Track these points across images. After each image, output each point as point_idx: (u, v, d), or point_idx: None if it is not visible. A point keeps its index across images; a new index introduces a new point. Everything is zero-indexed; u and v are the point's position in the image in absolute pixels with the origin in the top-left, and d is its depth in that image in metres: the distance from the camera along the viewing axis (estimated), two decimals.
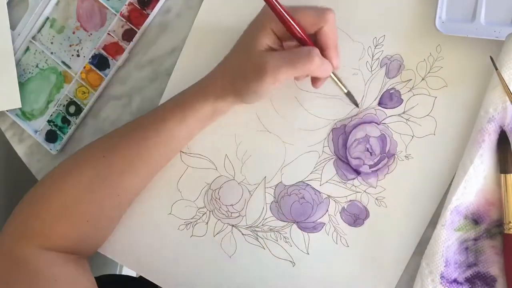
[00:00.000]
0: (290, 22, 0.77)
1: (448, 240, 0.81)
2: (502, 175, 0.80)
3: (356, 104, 0.88)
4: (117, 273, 1.64)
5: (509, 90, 0.78)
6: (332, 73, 0.83)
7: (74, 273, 0.86)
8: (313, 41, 0.80)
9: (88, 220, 0.87)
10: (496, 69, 0.79)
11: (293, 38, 0.79)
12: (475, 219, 0.82)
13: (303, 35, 0.78)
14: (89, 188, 0.85)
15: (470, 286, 0.81)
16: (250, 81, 0.80)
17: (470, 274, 0.82)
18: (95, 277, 1.05)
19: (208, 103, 0.85)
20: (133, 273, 1.46)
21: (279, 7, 0.76)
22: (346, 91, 0.86)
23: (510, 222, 0.79)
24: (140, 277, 0.98)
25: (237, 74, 0.82)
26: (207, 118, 0.88)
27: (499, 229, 0.81)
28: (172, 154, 0.91)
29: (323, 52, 0.80)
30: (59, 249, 0.86)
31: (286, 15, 0.76)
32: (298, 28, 0.78)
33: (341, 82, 0.85)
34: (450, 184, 0.83)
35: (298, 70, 0.77)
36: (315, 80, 0.85)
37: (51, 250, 0.85)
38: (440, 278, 0.81)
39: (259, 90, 0.80)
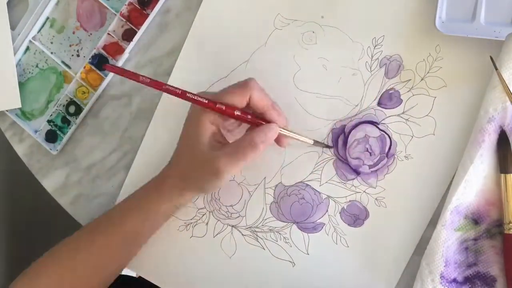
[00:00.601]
0: (222, 109, 0.80)
1: (448, 240, 0.81)
2: (502, 175, 0.79)
3: (328, 147, 0.89)
4: None
5: (509, 90, 0.78)
6: (286, 129, 0.84)
7: None
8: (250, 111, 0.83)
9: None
10: (496, 69, 0.79)
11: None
12: (475, 219, 0.81)
13: (240, 116, 0.81)
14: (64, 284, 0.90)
15: (470, 286, 0.81)
16: (206, 183, 0.83)
17: (470, 274, 0.81)
18: None
19: (167, 203, 0.87)
20: (133, 273, 1.46)
21: (207, 101, 0.80)
22: (311, 142, 0.87)
23: (510, 222, 0.79)
24: (140, 277, 0.98)
25: (191, 176, 0.85)
26: (168, 214, 0.91)
27: (499, 229, 0.81)
28: (139, 248, 0.93)
29: (264, 116, 0.82)
30: None
31: (217, 106, 0.80)
32: (232, 112, 0.81)
33: (300, 135, 0.86)
34: (450, 184, 0.83)
35: (249, 160, 0.80)
36: (277, 142, 0.86)
37: None
38: (440, 278, 0.81)
39: (218, 185, 0.82)
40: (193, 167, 0.83)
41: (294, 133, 0.85)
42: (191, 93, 0.79)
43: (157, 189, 0.87)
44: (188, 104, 0.82)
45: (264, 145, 0.80)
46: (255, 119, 0.82)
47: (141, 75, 0.77)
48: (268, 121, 0.82)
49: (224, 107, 0.79)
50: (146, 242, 0.92)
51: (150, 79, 0.77)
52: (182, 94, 0.79)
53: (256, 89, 0.80)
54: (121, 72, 0.79)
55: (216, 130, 0.83)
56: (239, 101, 0.80)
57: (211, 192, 0.91)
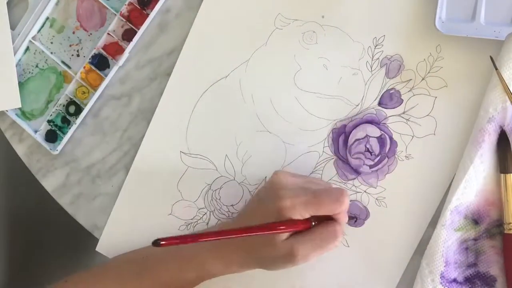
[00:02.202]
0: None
1: (448, 240, 0.81)
2: (502, 175, 0.80)
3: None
4: None
5: (509, 90, 0.79)
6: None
7: None
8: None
9: None
10: (496, 68, 0.79)
11: None
12: (475, 219, 0.82)
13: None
14: None
15: (470, 286, 0.82)
16: (279, 266, 0.81)
17: (470, 274, 0.82)
18: None
19: (220, 271, 0.86)
20: None
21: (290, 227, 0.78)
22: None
23: (510, 222, 0.79)
24: None
25: (263, 259, 0.83)
26: (216, 275, 0.88)
27: (499, 229, 0.81)
28: None
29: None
30: None
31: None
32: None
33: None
34: (450, 184, 0.84)
35: (326, 251, 0.80)
36: None
37: None
38: (440, 278, 0.81)
39: (287, 267, 0.81)
40: (265, 250, 0.81)
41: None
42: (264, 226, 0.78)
43: (222, 260, 0.85)
44: (191, 98, 0.81)
45: (341, 236, 0.81)
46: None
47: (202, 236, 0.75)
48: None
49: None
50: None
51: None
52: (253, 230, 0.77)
53: (346, 206, 0.80)
54: (182, 240, 0.74)
55: None
56: (327, 213, 0.79)
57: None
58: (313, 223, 0.80)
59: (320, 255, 0.80)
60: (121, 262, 0.92)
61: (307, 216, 0.78)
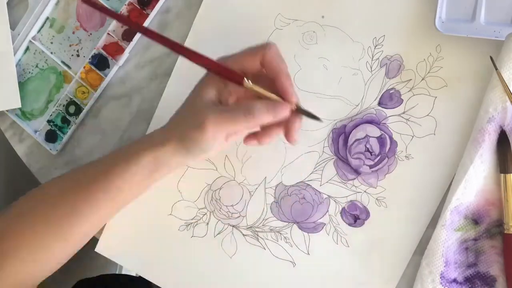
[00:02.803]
0: (217, 64, 0.78)
1: (448, 240, 0.81)
2: (502, 175, 0.80)
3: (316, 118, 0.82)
4: (117, 272, 1.63)
5: (509, 90, 0.79)
6: (297, 106, 0.79)
7: None
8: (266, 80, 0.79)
9: (35, 260, 0.86)
10: (496, 69, 0.79)
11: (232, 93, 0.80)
12: (475, 219, 0.82)
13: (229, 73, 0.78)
14: (37, 231, 0.85)
15: (470, 286, 0.82)
16: (190, 128, 0.79)
17: (470, 274, 0.82)
18: (95, 277, 1.09)
19: (147, 151, 0.82)
20: (132, 273, 1.45)
21: (204, 57, 0.78)
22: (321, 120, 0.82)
23: (510, 222, 0.79)
24: (140, 277, 0.99)
25: (178, 123, 0.82)
26: (150, 168, 0.83)
27: (499, 229, 0.81)
28: (121, 205, 0.88)
29: (275, 84, 0.78)
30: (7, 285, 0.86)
31: (212, 61, 0.78)
32: (238, 79, 0.77)
33: (311, 114, 0.80)
34: (450, 184, 0.84)
35: (238, 125, 0.77)
36: (285, 134, 0.81)
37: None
38: (440, 278, 0.81)
39: (200, 139, 0.78)
40: (181, 118, 0.82)
41: (306, 111, 0.80)
42: (187, 49, 0.78)
43: (140, 140, 0.85)
44: None
45: (261, 117, 0.76)
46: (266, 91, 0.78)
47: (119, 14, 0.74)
48: (277, 88, 0.78)
49: (225, 71, 0.77)
50: (129, 201, 0.88)
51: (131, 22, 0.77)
52: (176, 46, 0.78)
53: (272, 49, 0.77)
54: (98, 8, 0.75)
55: (218, 92, 0.80)
56: (250, 62, 0.77)
57: (193, 152, 0.81)
58: (248, 80, 0.77)
59: (232, 129, 0.77)
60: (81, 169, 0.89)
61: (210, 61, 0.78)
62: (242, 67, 0.78)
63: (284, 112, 0.77)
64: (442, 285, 0.82)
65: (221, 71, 0.78)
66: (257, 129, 0.83)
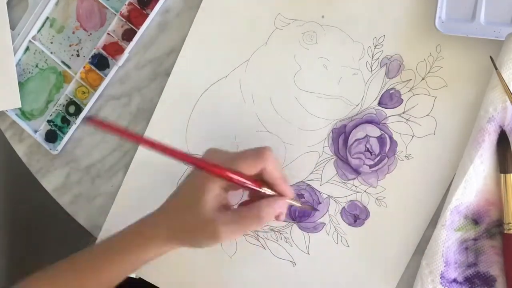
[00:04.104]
0: (233, 178, 0.77)
1: (448, 240, 0.81)
2: (502, 175, 0.80)
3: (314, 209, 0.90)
4: None
5: (509, 90, 0.79)
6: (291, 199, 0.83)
7: None
8: (258, 178, 0.80)
9: None
10: (496, 69, 0.79)
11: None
12: (475, 219, 0.82)
13: (249, 185, 0.78)
14: None
15: (469, 286, 0.82)
16: (203, 243, 0.81)
17: (470, 274, 0.82)
18: None
19: (152, 255, 0.84)
20: (132, 274, 1.45)
21: (217, 168, 0.76)
22: (316, 208, 0.90)
23: (510, 222, 0.79)
24: (140, 278, 0.98)
25: (186, 234, 0.82)
26: (150, 261, 0.85)
27: (499, 229, 0.81)
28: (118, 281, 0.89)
29: (273, 187, 0.80)
30: None
31: (228, 174, 0.76)
32: (244, 180, 0.78)
33: (303, 204, 0.88)
34: (450, 184, 0.83)
35: (250, 230, 0.83)
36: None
37: None
38: (440, 278, 0.81)
39: (212, 245, 0.81)
40: (190, 225, 0.81)
41: (297, 202, 0.85)
42: (196, 159, 0.77)
43: (144, 240, 0.84)
44: (190, 98, 0.83)
45: (270, 218, 0.79)
46: (264, 192, 0.80)
47: (129, 133, 0.73)
48: (277, 192, 0.80)
49: (234, 177, 0.76)
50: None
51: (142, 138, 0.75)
52: (186, 157, 0.76)
53: (270, 161, 0.78)
54: (108, 128, 0.72)
55: (221, 193, 0.80)
56: (251, 170, 0.78)
57: (199, 248, 0.84)
58: (262, 189, 0.79)
59: (243, 234, 0.88)
60: (76, 259, 0.90)
61: (226, 174, 0.77)
62: (242, 171, 0.78)
63: (284, 208, 0.81)
64: (442, 285, 0.81)
65: (239, 182, 0.78)
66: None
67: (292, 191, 0.81)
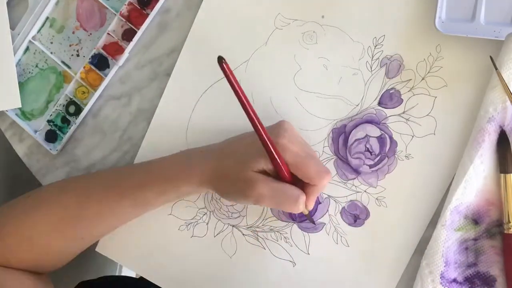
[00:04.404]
0: (282, 170, 0.80)
1: (448, 240, 0.81)
2: (502, 175, 0.80)
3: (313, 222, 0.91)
4: (117, 273, 1.62)
5: (509, 90, 0.78)
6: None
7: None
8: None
9: (48, 253, 0.91)
10: (496, 68, 0.79)
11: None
12: (475, 219, 0.82)
13: (288, 181, 0.81)
14: (56, 227, 0.89)
15: (469, 286, 0.82)
16: (234, 193, 0.83)
17: (470, 274, 0.82)
18: (94, 279, 1.08)
19: (191, 187, 0.86)
20: (132, 274, 1.47)
21: (279, 157, 0.79)
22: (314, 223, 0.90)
23: (510, 222, 0.79)
24: (141, 277, 0.98)
25: (225, 178, 0.83)
26: (187, 194, 0.90)
27: (499, 229, 0.81)
28: (144, 213, 0.92)
29: (305, 186, 0.81)
30: (16, 268, 0.90)
31: (281, 165, 0.79)
32: (287, 176, 0.80)
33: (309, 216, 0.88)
34: (450, 184, 0.83)
35: (280, 208, 0.83)
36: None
37: (9, 267, 0.89)
38: (440, 278, 0.81)
39: (238, 201, 0.88)
40: (233, 174, 0.83)
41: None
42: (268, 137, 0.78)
43: (187, 174, 0.86)
44: (191, 98, 0.85)
45: (302, 209, 0.81)
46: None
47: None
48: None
49: (280, 166, 0.79)
50: (148, 211, 0.92)
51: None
52: (262, 134, 0.77)
53: (323, 186, 0.81)
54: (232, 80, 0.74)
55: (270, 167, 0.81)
56: (305, 178, 0.80)
57: (227, 200, 0.91)
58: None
59: (272, 207, 0.88)
60: (100, 177, 0.93)
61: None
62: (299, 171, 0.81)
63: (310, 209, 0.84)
64: (442, 285, 0.81)
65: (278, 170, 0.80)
66: None
67: (312, 205, 0.83)
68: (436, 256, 0.81)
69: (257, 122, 0.76)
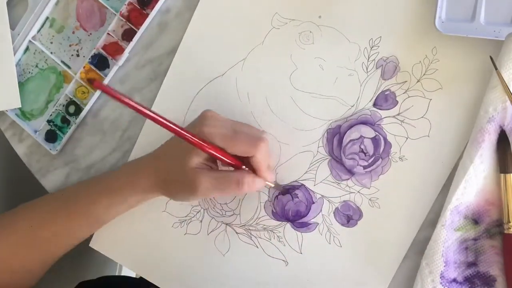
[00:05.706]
0: (217, 156, 0.73)
1: (448, 240, 0.73)
2: (502, 175, 0.71)
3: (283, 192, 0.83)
4: (117, 273, 1.58)
5: (509, 90, 0.70)
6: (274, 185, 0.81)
7: None
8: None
9: (12, 275, 0.85)
10: (496, 69, 0.71)
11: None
12: (475, 219, 0.73)
13: (231, 163, 0.75)
14: (15, 251, 0.84)
15: (469, 285, 0.73)
16: (181, 193, 0.78)
17: (470, 274, 0.74)
18: (94, 279, 1.03)
19: (139, 195, 0.81)
20: (132, 274, 1.40)
21: (206, 145, 0.71)
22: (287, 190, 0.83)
23: (510, 222, 0.71)
24: (141, 277, 0.91)
25: (169, 181, 0.78)
26: (137, 203, 0.83)
27: (499, 229, 0.73)
28: (98, 228, 0.87)
29: (256, 172, 0.76)
30: None
31: (213, 152, 0.72)
32: (226, 159, 0.74)
33: (276, 185, 0.82)
34: (443, 186, 0.76)
35: (227, 194, 0.78)
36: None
37: None
38: (440, 278, 0.73)
39: (189, 200, 0.84)
40: (173, 175, 0.77)
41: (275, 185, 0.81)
42: (185, 132, 0.69)
43: (132, 182, 0.81)
44: (187, 96, 0.78)
45: (248, 190, 0.74)
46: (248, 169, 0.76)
47: (128, 99, 0.62)
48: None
49: (215, 154, 0.72)
50: (103, 225, 0.86)
51: (138, 104, 0.64)
52: (177, 132, 0.68)
53: (262, 151, 0.73)
54: (111, 93, 0.63)
55: (209, 157, 0.76)
56: (242, 154, 0.73)
57: (178, 200, 0.84)
58: (243, 167, 0.76)
59: (220, 196, 0.82)
60: (49, 200, 0.88)
61: (207, 150, 0.72)
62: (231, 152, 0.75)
63: (262, 188, 0.81)
64: (442, 285, 0.73)
65: (219, 159, 0.74)
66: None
67: (273, 176, 0.80)
68: (436, 256, 0.73)
69: (166, 122, 0.67)
